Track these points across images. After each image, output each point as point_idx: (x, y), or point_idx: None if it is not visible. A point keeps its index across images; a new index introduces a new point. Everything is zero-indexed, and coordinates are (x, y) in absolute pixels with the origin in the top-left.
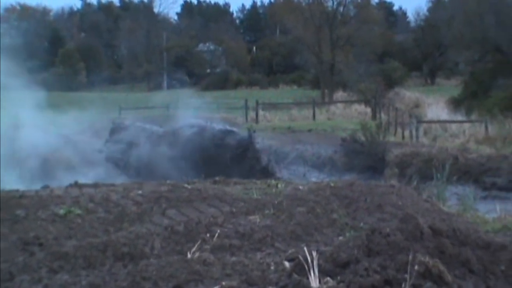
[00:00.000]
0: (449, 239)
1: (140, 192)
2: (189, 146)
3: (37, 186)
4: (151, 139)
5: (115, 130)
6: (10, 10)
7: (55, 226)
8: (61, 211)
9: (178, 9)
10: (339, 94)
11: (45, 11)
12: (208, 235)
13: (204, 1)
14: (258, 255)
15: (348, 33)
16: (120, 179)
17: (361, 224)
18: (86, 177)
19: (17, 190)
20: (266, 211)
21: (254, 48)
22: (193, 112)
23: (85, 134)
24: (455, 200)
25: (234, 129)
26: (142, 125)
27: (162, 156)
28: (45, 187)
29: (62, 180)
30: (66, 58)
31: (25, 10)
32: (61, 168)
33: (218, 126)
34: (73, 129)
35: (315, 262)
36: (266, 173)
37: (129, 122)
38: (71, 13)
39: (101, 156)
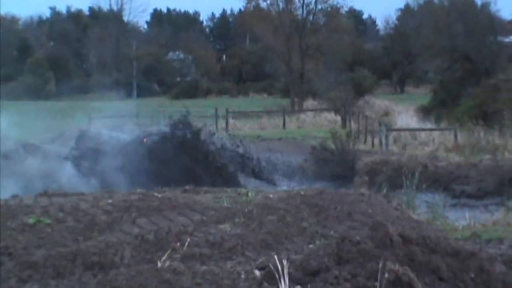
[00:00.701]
0: (419, 247)
1: (110, 201)
2: (152, 154)
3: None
4: (117, 147)
5: (81, 137)
6: None
7: (24, 236)
8: (31, 221)
9: (148, 18)
10: (309, 103)
11: (13, 20)
12: (178, 244)
13: (174, 10)
14: (229, 264)
15: (318, 41)
16: (85, 187)
17: (331, 232)
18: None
19: None
20: (237, 220)
21: (224, 56)
22: (162, 120)
23: (54, 143)
24: (424, 208)
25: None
26: (108, 133)
27: (128, 163)
28: (14, 196)
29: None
30: (35, 67)
31: None
32: (29, 176)
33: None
34: (41, 139)
35: (285, 271)
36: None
37: (96, 130)
38: (40, 21)
39: (67, 163)
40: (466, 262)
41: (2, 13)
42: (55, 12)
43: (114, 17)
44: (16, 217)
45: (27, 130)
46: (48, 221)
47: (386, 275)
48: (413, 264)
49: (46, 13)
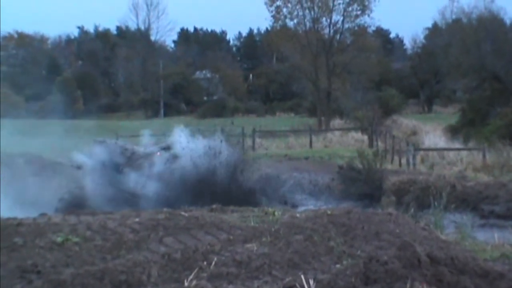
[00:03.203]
0: (447, 267)
1: (137, 219)
2: (165, 168)
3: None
4: (132, 158)
5: (96, 148)
6: (7, 38)
7: (52, 254)
8: (59, 239)
9: (175, 37)
10: (336, 122)
11: (42, 39)
12: (205, 263)
13: (201, 29)
14: (255, 283)
15: (345, 60)
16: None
17: (359, 252)
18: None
19: (15, 218)
20: (263, 239)
21: (251, 75)
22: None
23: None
24: (452, 228)
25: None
26: (123, 144)
27: (141, 175)
28: (43, 214)
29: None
30: (63, 86)
31: (22, 38)
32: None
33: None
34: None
35: None
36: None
37: (111, 141)
38: (68, 41)
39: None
40: (495, 283)
41: (31, 32)
42: (83, 32)
43: (141, 36)
44: (45, 235)
45: (55, 149)
46: (76, 239)
47: None
48: (441, 285)
49: (74, 33)
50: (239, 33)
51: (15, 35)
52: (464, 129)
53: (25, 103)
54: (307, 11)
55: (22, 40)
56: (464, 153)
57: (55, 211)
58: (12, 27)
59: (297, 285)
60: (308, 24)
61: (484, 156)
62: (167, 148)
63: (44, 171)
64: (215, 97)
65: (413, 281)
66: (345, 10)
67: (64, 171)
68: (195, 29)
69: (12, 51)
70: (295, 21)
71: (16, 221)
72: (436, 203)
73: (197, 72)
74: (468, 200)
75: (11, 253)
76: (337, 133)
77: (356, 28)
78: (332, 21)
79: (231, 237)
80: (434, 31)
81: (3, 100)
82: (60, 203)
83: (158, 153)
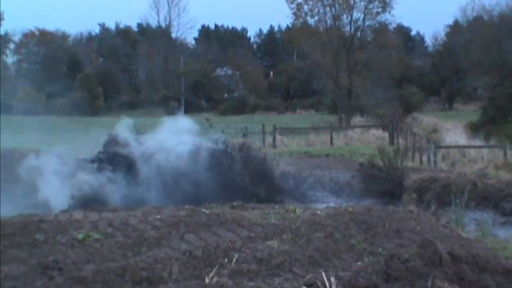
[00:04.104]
0: (468, 265)
1: (158, 216)
2: (180, 162)
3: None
4: (145, 153)
5: (109, 142)
6: (29, 35)
7: (74, 251)
8: (80, 236)
9: (196, 34)
10: (357, 119)
11: (63, 36)
12: (226, 260)
13: (222, 26)
14: (276, 280)
15: (366, 58)
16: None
17: (380, 250)
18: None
19: (36, 214)
20: (284, 236)
21: (271, 73)
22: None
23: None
24: (473, 226)
25: (228, 148)
26: (137, 139)
27: (153, 169)
28: (64, 211)
29: None
30: (84, 83)
31: (43, 35)
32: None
33: (213, 145)
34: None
35: None
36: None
37: (124, 136)
38: (89, 38)
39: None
40: None
41: (53, 29)
42: (104, 29)
43: (162, 33)
44: (66, 232)
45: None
46: (97, 236)
47: None
48: (463, 283)
49: (96, 30)
50: (260, 30)
51: (37, 32)
52: (485, 127)
53: (46, 100)
54: (328, 8)
55: (44, 37)
56: (485, 151)
57: (67, 208)
58: (34, 24)
59: (318, 282)
60: (329, 21)
61: (505, 153)
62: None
63: (66, 168)
64: (235, 94)
65: (434, 279)
66: (366, 7)
67: (85, 167)
68: (216, 26)
69: (34, 48)
70: (316, 18)
71: (37, 217)
72: (457, 201)
73: (218, 69)
74: (489, 198)
75: (33, 249)
76: (357, 130)
77: (377, 25)
78: (353, 18)
79: (252, 234)
80: (455, 28)
81: (25, 98)
82: (72, 199)
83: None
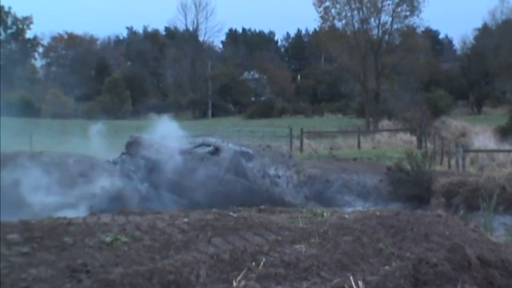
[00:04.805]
0: (497, 270)
1: (186, 220)
2: (201, 165)
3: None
4: (168, 156)
5: (132, 144)
6: (57, 39)
7: (102, 254)
8: (108, 239)
9: (223, 38)
10: (384, 123)
11: (92, 40)
12: (253, 263)
13: (249, 30)
14: (304, 284)
15: (394, 61)
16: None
17: (408, 254)
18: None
19: (65, 218)
20: (312, 240)
21: (299, 76)
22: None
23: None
24: (502, 230)
25: (249, 150)
26: (160, 141)
27: (175, 171)
28: (92, 214)
29: None
30: (112, 87)
31: (72, 39)
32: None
33: (234, 146)
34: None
35: None
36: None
37: (147, 138)
38: (117, 41)
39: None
40: None
41: (81, 33)
42: (132, 32)
43: (190, 37)
44: (94, 235)
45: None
46: (125, 239)
47: None
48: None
49: (124, 33)
50: (287, 33)
51: (65, 36)
52: None
53: (74, 104)
54: (355, 11)
55: (72, 41)
56: None
57: (89, 208)
58: (62, 28)
59: (346, 286)
60: (356, 24)
61: None
62: (206, 145)
63: (94, 171)
64: (263, 98)
65: (463, 283)
66: (394, 10)
67: (113, 170)
68: (243, 29)
69: (62, 52)
70: (344, 21)
71: (66, 220)
72: (485, 205)
73: (245, 73)
74: None
75: (61, 252)
76: (385, 134)
77: (405, 28)
78: (381, 21)
79: (280, 238)
80: (484, 31)
81: (53, 101)
82: (93, 200)
83: (194, 150)
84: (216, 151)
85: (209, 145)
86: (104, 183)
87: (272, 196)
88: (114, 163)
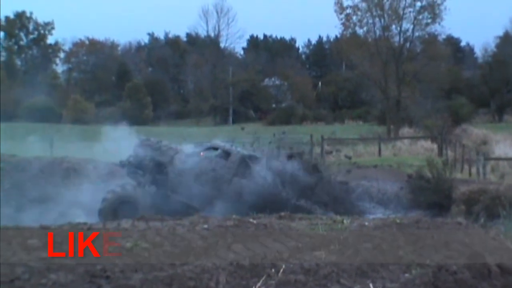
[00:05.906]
0: None
1: (206, 226)
2: (209, 167)
3: None
4: (176, 158)
5: (140, 145)
6: (78, 44)
7: (122, 259)
8: (128, 244)
9: (244, 44)
10: (405, 130)
11: (113, 46)
12: (273, 270)
13: (270, 36)
14: None
15: (415, 69)
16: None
17: (428, 262)
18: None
19: (85, 223)
20: (332, 247)
21: (320, 83)
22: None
23: None
24: None
25: (257, 154)
26: (168, 143)
27: (183, 173)
28: (113, 220)
29: None
30: (133, 92)
31: (93, 45)
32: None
33: (242, 150)
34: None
35: None
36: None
37: (155, 140)
38: (139, 47)
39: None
40: None
41: (102, 39)
42: (153, 38)
43: (211, 43)
44: (114, 241)
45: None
46: (145, 245)
47: None
48: None
49: (145, 39)
50: (309, 40)
51: (86, 42)
52: None
53: (95, 109)
54: (377, 19)
55: (93, 47)
56: None
57: (98, 211)
58: (84, 33)
59: None
60: (377, 32)
61: None
62: (214, 149)
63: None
64: (283, 105)
65: None
66: (415, 18)
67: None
68: (265, 36)
69: (83, 58)
70: (365, 29)
71: (86, 226)
72: (506, 213)
73: (266, 79)
74: None
75: (81, 257)
76: (406, 141)
77: (426, 36)
78: (402, 29)
79: (300, 245)
80: (505, 39)
81: (74, 107)
82: (103, 203)
83: (202, 153)
84: (224, 154)
85: (217, 149)
86: (111, 187)
87: (282, 200)
88: (122, 165)
